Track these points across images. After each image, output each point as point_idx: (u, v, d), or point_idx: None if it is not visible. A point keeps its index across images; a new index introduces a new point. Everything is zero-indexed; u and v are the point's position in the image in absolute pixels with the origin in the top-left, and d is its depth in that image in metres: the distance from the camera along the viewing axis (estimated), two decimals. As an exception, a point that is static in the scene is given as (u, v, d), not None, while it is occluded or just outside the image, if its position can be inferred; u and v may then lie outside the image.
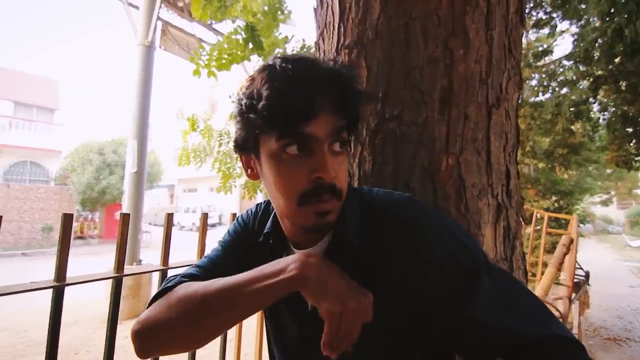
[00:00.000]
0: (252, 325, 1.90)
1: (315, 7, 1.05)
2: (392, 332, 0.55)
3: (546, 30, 6.06)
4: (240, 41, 2.83)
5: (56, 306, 0.88)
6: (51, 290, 0.87)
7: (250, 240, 0.67)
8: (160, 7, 4.94)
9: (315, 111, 0.50)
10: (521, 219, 1.00)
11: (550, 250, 5.48)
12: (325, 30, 0.95)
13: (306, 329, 0.60)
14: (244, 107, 0.53)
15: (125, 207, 4.67)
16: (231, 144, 4.81)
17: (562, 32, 6.35)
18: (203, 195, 24.28)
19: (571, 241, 3.95)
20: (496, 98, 0.85)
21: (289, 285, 0.50)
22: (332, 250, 0.57)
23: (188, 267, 0.67)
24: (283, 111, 0.49)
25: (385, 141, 0.82)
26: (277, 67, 0.51)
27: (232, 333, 1.49)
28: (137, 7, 5.46)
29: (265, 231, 0.64)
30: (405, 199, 0.59)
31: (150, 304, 0.57)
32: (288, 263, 0.51)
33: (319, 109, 0.50)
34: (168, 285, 0.59)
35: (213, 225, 19.30)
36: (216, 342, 1.35)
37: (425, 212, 0.57)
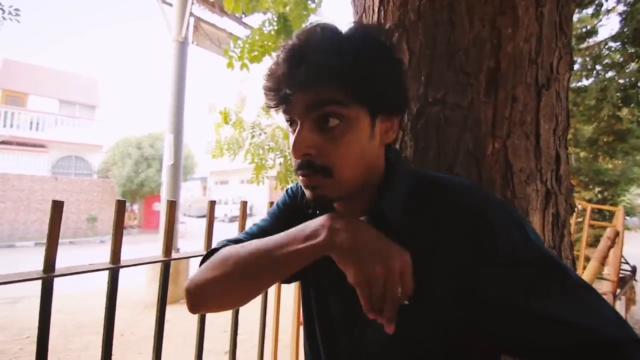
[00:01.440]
0: (289, 309, 1.94)
1: (353, -8, 1.04)
2: (438, 319, 0.53)
3: (590, 10, 5.66)
4: (272, 33, 2.86)
5: (112, 286, 0.93)
6: (107, 271, 0.93)
7: (298, 211, 0.67)
8: (192, 3, 5.04)
9: (287, 91, 0.50)
10: (570, 207, 0.96)
11: (593, 244, 5.20)
12: (364, 14, 0.93)
13: (348, 306, 0.59)
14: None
15: (164, 198, 4.87)
16: (263, 136, 4.94)
17: (608, 11, 5.90)
18: (234, 187, 24.86)
19: (617, 234, 3.72)
20: (546, 78, 0.81)
21: (316, 251, 0.50)
22: (374, 223, 0.54)
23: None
24: (267, 99, 0.54)
25: (427, 125, 0.80)
26: (282, 47, 0.54)
27: (270, 318, 1.53)
28: (170, 4, 5.62)
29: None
30: (468, 186, 0.57)
31: (200, 264, 0.62)
32: (317, 227, 0.51)
33: (293, 88, 0.50)
34: (215, 247, 0.64)
35: (244, 217, 19.67)
36: (255, 323, 1.39)
37: (491, 202, 0.54)
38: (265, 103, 0.55)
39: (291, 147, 0.52)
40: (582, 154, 7.82)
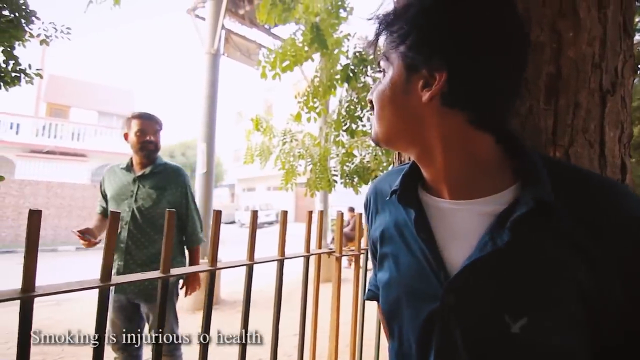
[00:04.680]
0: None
1: None
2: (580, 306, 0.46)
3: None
4: (300, 44, 2.89)
5: (163, 295, 0.96)
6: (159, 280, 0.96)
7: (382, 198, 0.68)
8: (224, 17, 5.20)
9: None
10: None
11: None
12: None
13: None
14: None
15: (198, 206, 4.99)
16: (294, 143, 5.01)
17: (654, 6, 5.57)
18: (261, 194, 25.23)
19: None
20: (611, 83, 0.76)
21: None
22: (520, 209, 0.46)
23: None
24: None
25: (482, 135, 0.77)
26: None
27: (308, 325, 1.52)
28: (203, 19, 5.83)
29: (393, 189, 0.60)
30: (617, 185, 0.53)
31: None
32: None
33: None
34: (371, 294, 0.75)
35: (270, 223, 19.96)
36: (285, 330, 1.36)
37: None
38: None
39: None
40: (626, 159, 7.39)
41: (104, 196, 2.11)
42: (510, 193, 0.50)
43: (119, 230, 1.91)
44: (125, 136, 2.06)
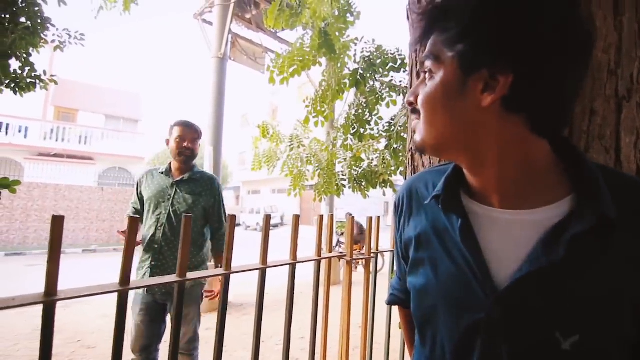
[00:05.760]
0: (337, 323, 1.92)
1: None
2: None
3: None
4: (308, 48, 2.92)
5: (179, 299, 0.97)
6: (175, 284, 0.97)
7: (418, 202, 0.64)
8: (231, 22, 5.25)
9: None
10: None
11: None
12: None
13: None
14: None
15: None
16: (301, 148, 5.03)
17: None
18: (266, 196, 25.29)
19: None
20: (627, 90, 0.77)
21: None
22: (579, 225, 0.45)
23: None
24: None
25: (498, 141, 0.78)
26: None
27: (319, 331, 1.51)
28: (210, 23, 5.90)
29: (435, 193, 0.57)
30: None
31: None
32: None
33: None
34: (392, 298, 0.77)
35: (275, 226, 19.96)
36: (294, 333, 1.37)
37: None
38: None
39: None
40: None
41: (140, 198, 2.19)
42: (566, 204, 0.48)
43: (153, 232, 2.03)
44: (167, 142, 2.18)
